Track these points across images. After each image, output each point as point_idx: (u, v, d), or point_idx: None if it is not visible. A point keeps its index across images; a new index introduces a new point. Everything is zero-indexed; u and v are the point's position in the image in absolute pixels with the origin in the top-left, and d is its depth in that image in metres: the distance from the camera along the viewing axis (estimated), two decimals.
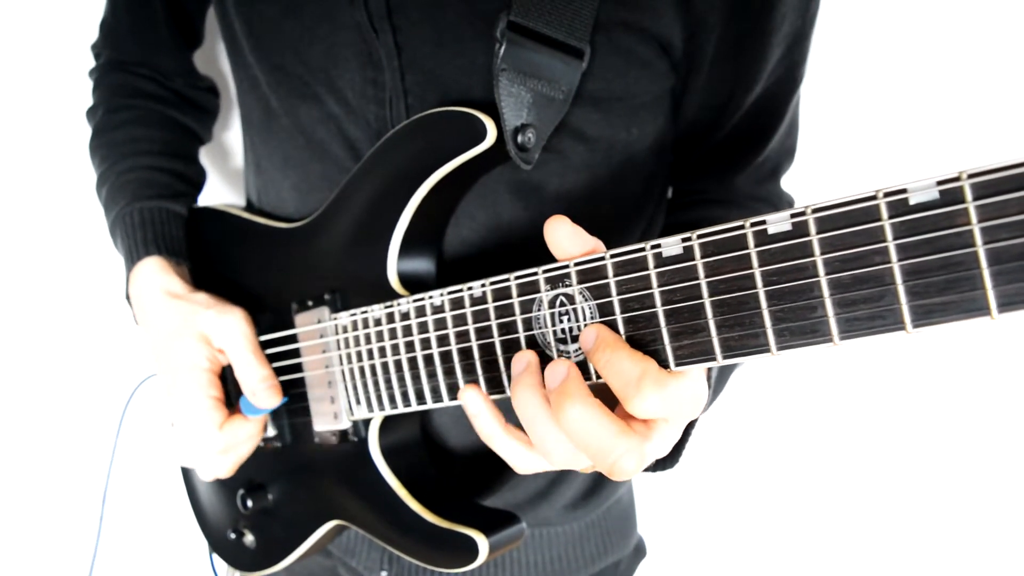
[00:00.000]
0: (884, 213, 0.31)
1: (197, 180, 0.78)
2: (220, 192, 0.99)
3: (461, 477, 0.66)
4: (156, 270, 0.66)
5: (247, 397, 0.61)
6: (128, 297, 0.69)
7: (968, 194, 0.29)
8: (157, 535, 1.15)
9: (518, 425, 0.44)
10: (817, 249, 0.33)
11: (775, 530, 1.03)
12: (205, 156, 0.82)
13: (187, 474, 0.77)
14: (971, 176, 0.29)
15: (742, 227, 0.35)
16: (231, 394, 0.66)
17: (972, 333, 0.88)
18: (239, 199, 0.79)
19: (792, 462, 1.00)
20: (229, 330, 0.61)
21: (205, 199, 0.78)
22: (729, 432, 1.02)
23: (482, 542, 0.53)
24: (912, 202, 0.30)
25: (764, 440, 1.00)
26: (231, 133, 0.96)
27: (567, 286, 0.42)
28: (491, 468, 0.66)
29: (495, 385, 0.47)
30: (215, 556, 0.75)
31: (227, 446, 0.62)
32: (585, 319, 0.42)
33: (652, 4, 0.52)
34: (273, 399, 0.61)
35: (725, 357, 0.37)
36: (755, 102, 0.61)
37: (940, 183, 0.30)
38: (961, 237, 0.29)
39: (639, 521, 0.81)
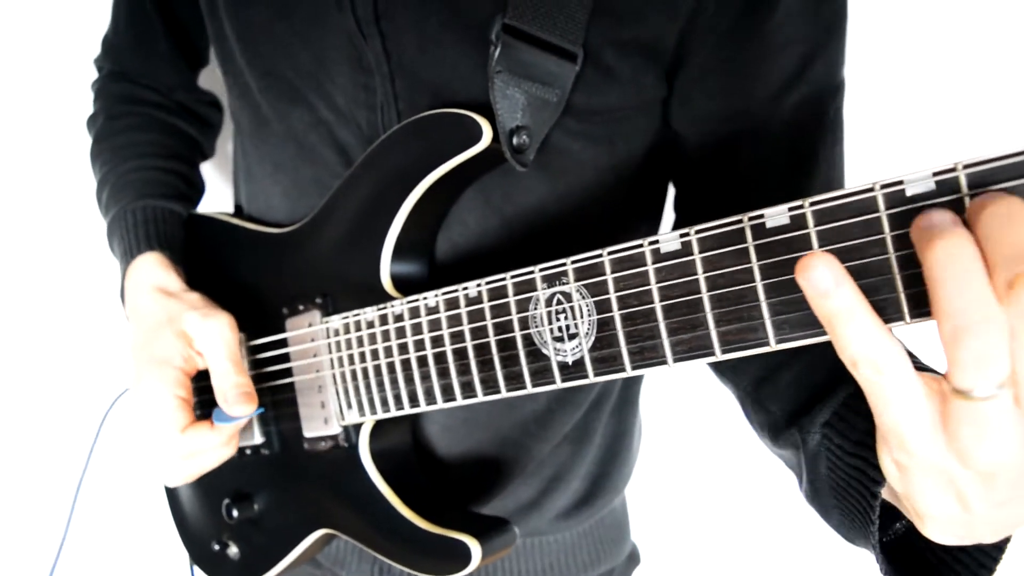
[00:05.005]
0: (881, 205, 0.31)
1: (198, 186, 0.77)
2: (215, 200, 0.98)
3: (451, 487, 0.65)
4: (154, 265, 0.65)
5: (219, 403, 0.59)
6: (123, 294, 0.68)
7: (963, 184, 0.29)
8: (134, 549, 1.12)
9: None
10: (815, 242, 0.33)
11: (769, 537, 1.03)
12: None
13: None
14: (966, 167, 0.29)
15: (740, 221, 0.36)
16: (206, 403, 0.64)
17: None
18: (231, 207, 0.79)
19: (787, 470, 1.00)
20: (211, 334, 0.59)
21: (199, 207, 0.78)
22: (723, 439, 1.02)
23: (475, 547, 0.52)
24: (909, 193, 0.31)
25: (759, 447, 1.00)
26: (225, 142, 0.95)
27: (564, 284, 0.42)
28: (480, 478, 0.66)
29: (490, 385, 0.47)
30: (196, 570, 0.73)
31: (189, 452, 0.59)
32: (582, 317, 0.42)
33: (637, 11, 0.52)
34: (246, 407, 0.58)
35: (724, 351, 0.37)
36: (784, 135, 0.55)
37: (936, 174, 0.30)
38: None
39: (633, 528, 0.80)
